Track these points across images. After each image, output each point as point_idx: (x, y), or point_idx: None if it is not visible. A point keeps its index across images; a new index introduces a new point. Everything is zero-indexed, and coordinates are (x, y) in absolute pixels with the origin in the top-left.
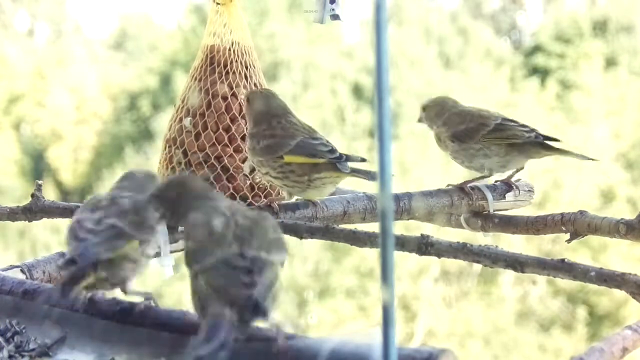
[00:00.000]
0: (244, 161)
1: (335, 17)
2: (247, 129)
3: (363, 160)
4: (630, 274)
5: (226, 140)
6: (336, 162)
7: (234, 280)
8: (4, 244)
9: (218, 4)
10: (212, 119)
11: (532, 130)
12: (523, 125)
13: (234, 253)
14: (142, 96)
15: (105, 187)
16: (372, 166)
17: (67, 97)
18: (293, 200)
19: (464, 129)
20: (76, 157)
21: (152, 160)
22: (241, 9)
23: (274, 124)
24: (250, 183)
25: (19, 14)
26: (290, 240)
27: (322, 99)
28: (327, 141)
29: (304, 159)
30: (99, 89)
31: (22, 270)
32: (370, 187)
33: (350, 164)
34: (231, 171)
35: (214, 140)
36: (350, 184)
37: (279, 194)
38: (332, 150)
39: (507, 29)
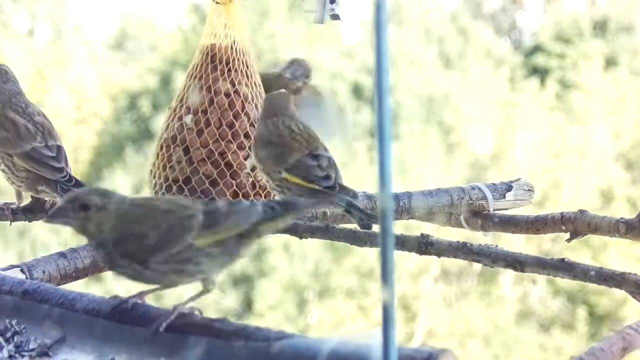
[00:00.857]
0: (246, 158)
1: (335, 17)
2: (250, 122)
3: (355, 195)
4: (630, 273)
5: (229, 137)
6: (329, 193)
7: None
8: (4, 244)
9: (217, 3)
10: (215, 116)
11: None
12: None
13: None
14: (142, 96)
15: (105, 187)
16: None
17: (67, 97)
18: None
19: None
20: (76, 157)
21: (151, 161)
22: (241, 8)
23: (271, 127)
24: (252, 181)
25: (19, 14)
26: (290, 240)
27: None
28: (329, 160)
29: (299, 181)
30: (99, 89)
31: (22, 270)
32: (370, 187)
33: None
34: (234, 167)
35: (217, 136)
36: (350, 184)
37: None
38: (327, 177)
39: (507, 29)
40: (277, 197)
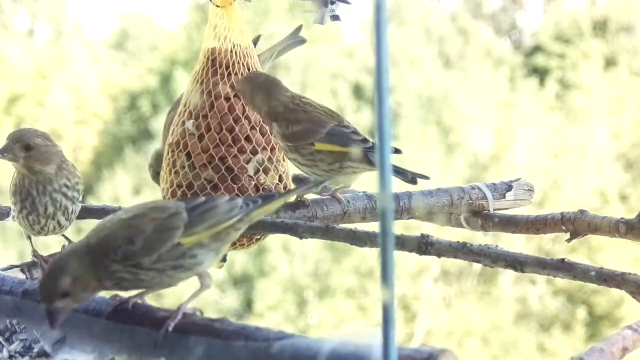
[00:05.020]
0: (248, 162)
1: (335, 17)
2: (250, 125)
3: (398, 151)
4: (630, 273)
5: (230, 141)
6: (369, 154)
7: None
8: (4, 244)
9: (218, 6)
10: (215, 120)
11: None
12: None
13: None
14: (142, 96)
15: (105, 187)
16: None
17: (67, 97)
18: (319, 196)
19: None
20: (76, 157)
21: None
22: (241, 9)
23: (291, 106)
24: (255, 184)
25: (19, 14)
26: (290, 240)
27: (322, 99)
28: (356, 129)
29: (337, 148)
30: (99, 89)
31: (22, 270)
32: (371, 186)
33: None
34: (235, 172)
35: (218, 141)
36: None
37: None
38: (365, 140)
39: (507, 29)
40: (305, 173)
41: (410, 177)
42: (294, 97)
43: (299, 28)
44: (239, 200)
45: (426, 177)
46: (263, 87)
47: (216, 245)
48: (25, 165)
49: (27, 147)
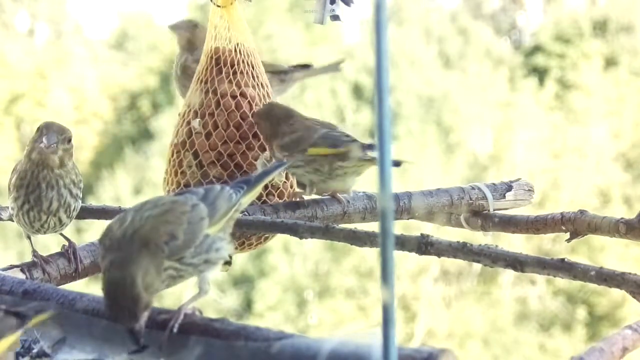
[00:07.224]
0: (256, 159)
1: (335, 17)
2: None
3: (397, 164)
4: (630, 273)
5: (238, 138)
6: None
7: None
8: (4, 244)
9: (218, 6)
10: (222, 118)
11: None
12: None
13: None
14: (142, 96)
15: (105, 187)
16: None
17: (67, 97)
18: (317, 196)
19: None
20: (76, 157)
21: (151, 161)
22: (241, 9)
23: (291, 122)
24: None
25: (19, 14)
26: (290, 240)
27: (321, 99)
28: (348, 134)
29: (326, 150)
30: (99, 89)
31: (22, 270)
32: (370, 187)
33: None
34: (244, 168)
35: (226, 138)
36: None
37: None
38: (354, 140)
39: (507, 29)
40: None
41: (394, 163)
42: (295, 118)
43: (342, 60)
44: (227, 187)
45: (411, 162)
46: (275, 116)
47: (227, 239)
48: (60, 158)
49: (68, 140)
